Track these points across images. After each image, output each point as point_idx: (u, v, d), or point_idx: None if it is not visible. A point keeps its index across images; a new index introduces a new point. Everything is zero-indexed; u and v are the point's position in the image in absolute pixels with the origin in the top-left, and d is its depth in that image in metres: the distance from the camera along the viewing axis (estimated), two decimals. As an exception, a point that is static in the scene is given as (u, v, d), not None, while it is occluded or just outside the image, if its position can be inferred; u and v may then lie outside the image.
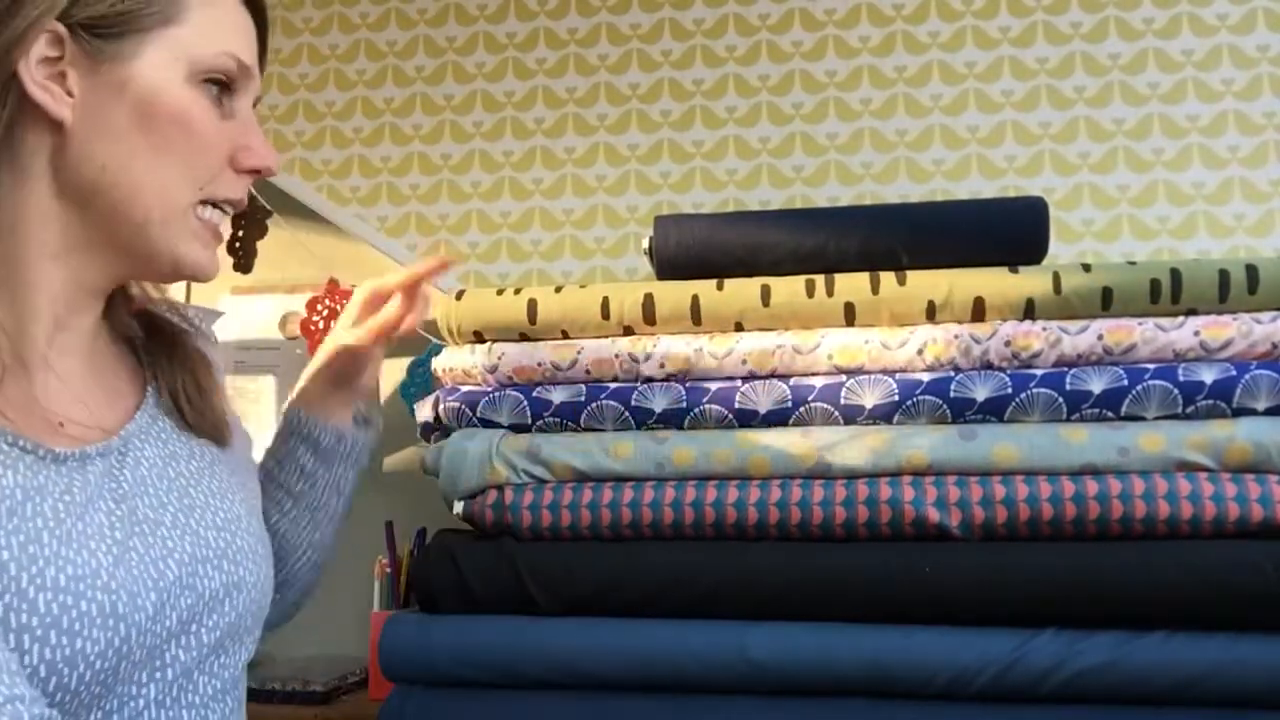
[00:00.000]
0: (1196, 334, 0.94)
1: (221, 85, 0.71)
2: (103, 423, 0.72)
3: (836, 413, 0.96)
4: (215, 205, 0.71)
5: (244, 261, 1.43)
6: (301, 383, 0.93)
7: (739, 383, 0.98)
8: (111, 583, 0.63)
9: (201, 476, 0.75)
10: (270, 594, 0.78)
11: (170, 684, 0.67)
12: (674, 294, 1.01)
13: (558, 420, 1.00)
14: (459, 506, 0.99)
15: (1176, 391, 0.92)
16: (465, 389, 1.04)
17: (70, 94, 0.67)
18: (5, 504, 0.60)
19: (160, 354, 0.77)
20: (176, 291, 1.25)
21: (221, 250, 0.76)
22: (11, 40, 0.65)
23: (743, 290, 0.99)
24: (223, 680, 0.72)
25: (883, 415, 0.96)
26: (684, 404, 0.98)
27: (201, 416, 0.76)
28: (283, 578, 0.88)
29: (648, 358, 0.99)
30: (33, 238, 0.67)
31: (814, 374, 0.98)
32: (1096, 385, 0.93)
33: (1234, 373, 0.92)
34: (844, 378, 0.97)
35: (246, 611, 0.74)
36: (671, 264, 1.03)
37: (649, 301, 1.01)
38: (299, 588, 0.90)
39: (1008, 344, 0.95)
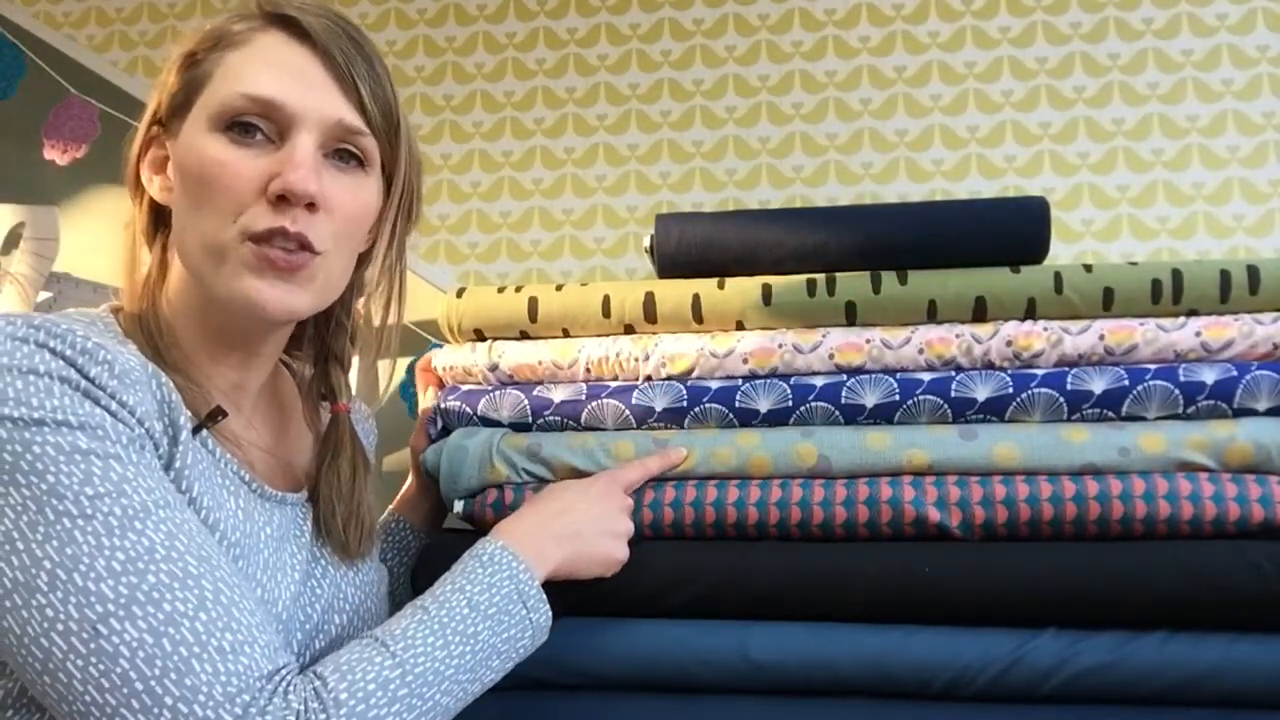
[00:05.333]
0: (1198, 334, 0.94)
1: (248, 125, 0.73)
2: (292, 474, 0.85)
3: (837, 412, 0.96)
4: (258, 240, 0.73)
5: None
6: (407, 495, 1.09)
7: (740, 382, 0.98)
8: (284, 614, 0.75)
9: None
10: None
11: None
12: (675, 292, 1.01)
13: (558, 419, 1.00)
14: (459, 506, 0.99)
15: (1177, 392, 0.92)
16: (465, 388, 1.04)
17: (170, 180, 0.78)
18: (231, 521, 0.73)
19: (329, 454, 0.86)
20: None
21: None
22: (134, 152, 0.79)
23: (744, 289, 0.99)
24: None
25: (883, 415, 0.96)
26: (684, 403, 0.98)
27: (342, 525, 0.85)
28: None
29: (648, 357, 0.99)
30: (179, 301, 0.78)
31: (815, 373, 0.98)
32: (1097, 385, 0.93)
33: (1235, 373, 0.92)
34: (845, 377, 0.97)
35: None
36: (673, 262, 1.03)
37: (650, 300, 1.01)
38: None
39: (1009, 344, 0.95)
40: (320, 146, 0.75)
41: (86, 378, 0.65)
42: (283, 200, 0.72)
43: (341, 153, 0.77)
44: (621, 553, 0.91)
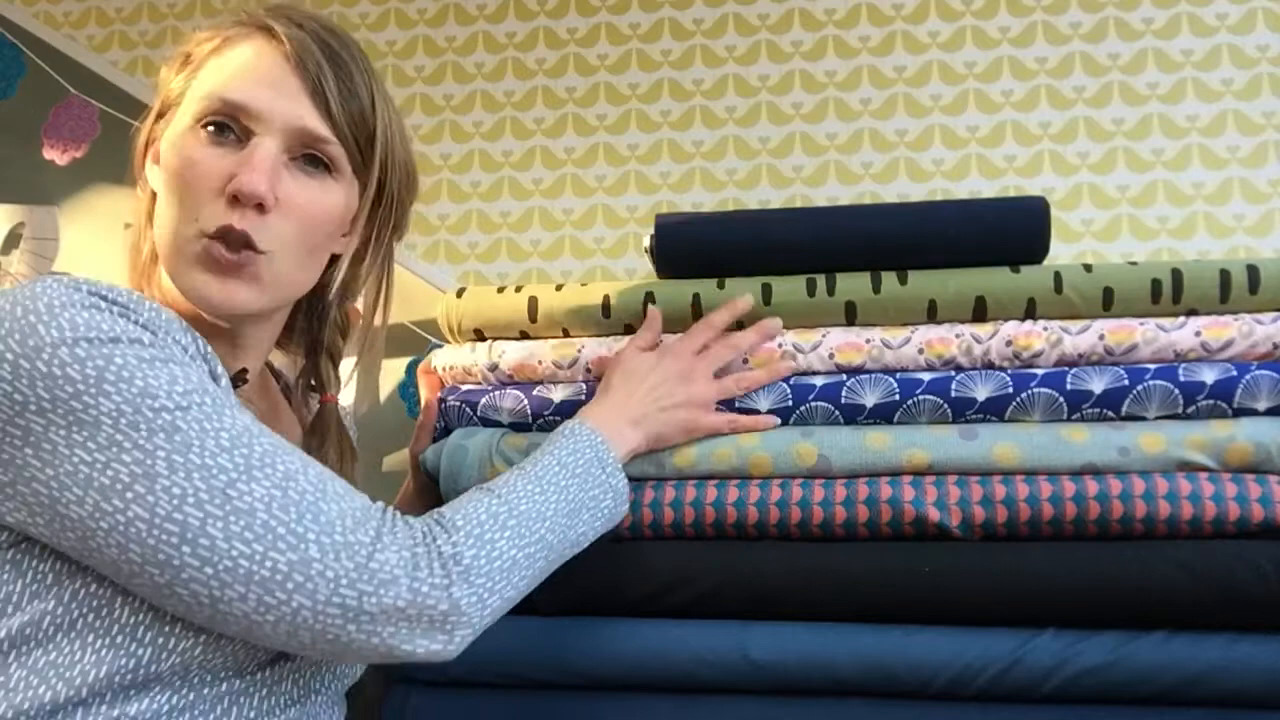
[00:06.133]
0: (1197, 334, 0.94)
1: (222, 125, 0.77)
2: None
3: (837, 412, 0.96)
4: (210, 236, 0.76)
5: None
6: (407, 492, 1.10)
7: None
8: None
9: None
10: None
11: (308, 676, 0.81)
12: (675, 293, 1.01)
13: (558, 419, 1.00)
14: (459, 506, 0.99)
15: (1177, 391, 0.92)
16: (465, 387, 1.04)
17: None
18: None
19: (315, 441, 0.91)
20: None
21: None
22: (140, 144, 0.84)
23: (744, 289, 0.99)
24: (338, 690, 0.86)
25: (883, 415, 0.96)
26: (684, 403, 0.98)
27: None
28: None
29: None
30: (170, 287, 0.80)
31: (815, 373, 0.98)
32: (1097, 385, 0.93)
33: (1235, 373, 0.92)
34: (845, 377, 0.97)
35: None
36: (672, 263, 1.03)
37: (650, 300, 1.00)
38: None
39: (1009, 343, 0.95)
40: (285, 150, 0.78)
41: (141, 318, 0.69)
42: (236, 200, 0.75)
43: (309, 157, 0.80)
44: (703, 419, 0.95)
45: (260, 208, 0.76)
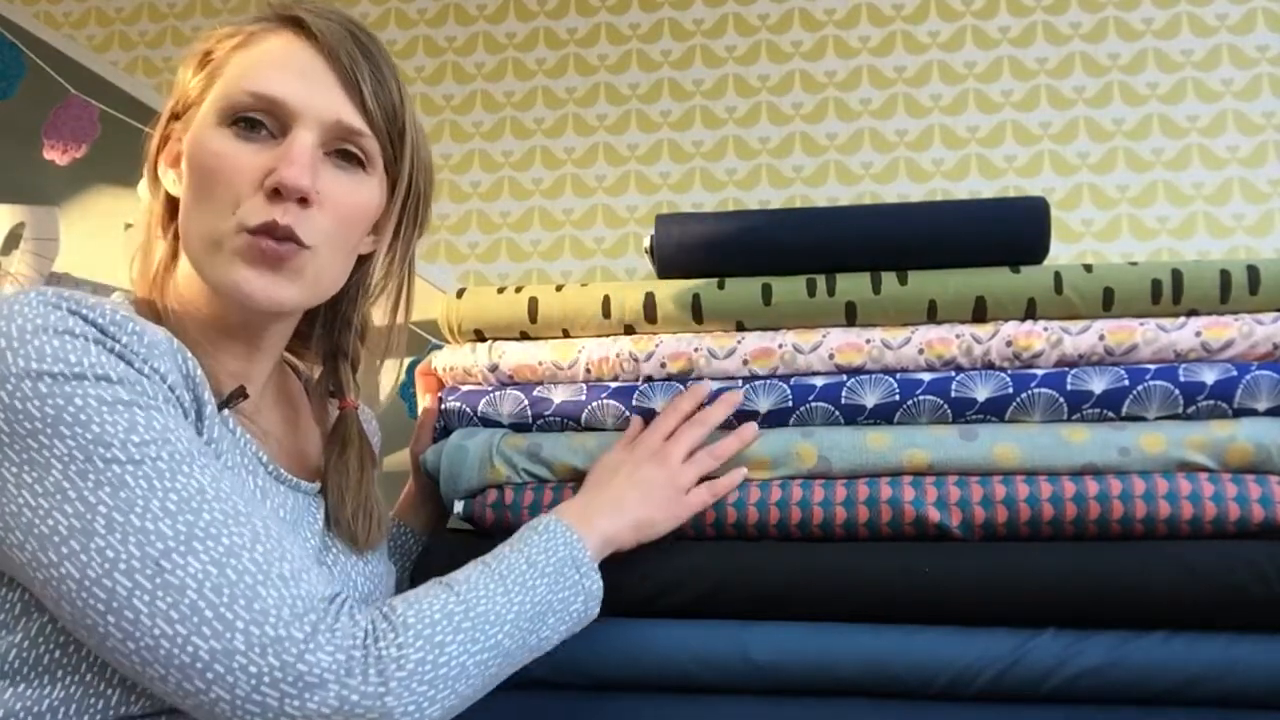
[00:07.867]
0: (1198, 334, 0.94)
1: (253, 121, 0.76)
2: (303, 465, 0.87)
3: (837, 412, 0.96)
4: (251, 232, 0.74)
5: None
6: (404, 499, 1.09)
7: (740, 382, 0.98)
8: None
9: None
10: None
11: None
12: (675, 292, 1.01)
13: (558, 419, 1.00)
14: (459, 506, 0.99)
15: (1177, 392, 0.92)
16: (465, 388, 1.04)
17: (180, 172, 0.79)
18: (246, 495, 0.72)
19: (336, 449, 0.88)
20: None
21: None
22: (154, 147, 0.81)
23: (744, 289, 0.99)
24: None
25: (883, 415, 0.96)
26: (685, 403, 0.98)
27: (351, 516, 0.86)
28: None
29: (649, 357, 0.99)
30: (186, 291, 0.79)
31: (815, 373, 0.98)
32: (1097, 385, 0.93)
33: (1235, 373, 0.92)
34: (845, 377, 0.97)
35: None
36: (673, 263, 1.03)
37: (650, 300, 1.00)
38: None
39: (1009, 344, 0.95)
40: (321, 144, 0.77)
41: (119, 343, 0.67)
42: (277, 194, 0.74)
43: (343, 152, 0.78)
44: (689, 501, 0.92)
45: (304, 201, 0.74)
